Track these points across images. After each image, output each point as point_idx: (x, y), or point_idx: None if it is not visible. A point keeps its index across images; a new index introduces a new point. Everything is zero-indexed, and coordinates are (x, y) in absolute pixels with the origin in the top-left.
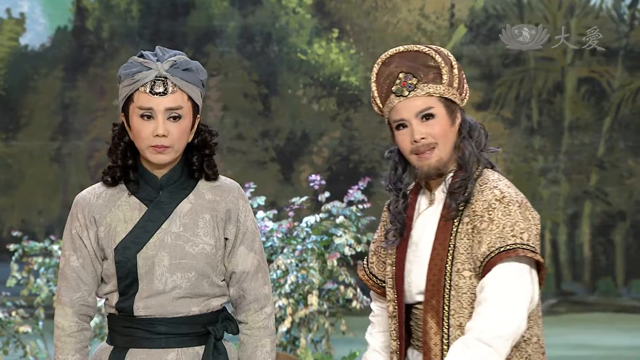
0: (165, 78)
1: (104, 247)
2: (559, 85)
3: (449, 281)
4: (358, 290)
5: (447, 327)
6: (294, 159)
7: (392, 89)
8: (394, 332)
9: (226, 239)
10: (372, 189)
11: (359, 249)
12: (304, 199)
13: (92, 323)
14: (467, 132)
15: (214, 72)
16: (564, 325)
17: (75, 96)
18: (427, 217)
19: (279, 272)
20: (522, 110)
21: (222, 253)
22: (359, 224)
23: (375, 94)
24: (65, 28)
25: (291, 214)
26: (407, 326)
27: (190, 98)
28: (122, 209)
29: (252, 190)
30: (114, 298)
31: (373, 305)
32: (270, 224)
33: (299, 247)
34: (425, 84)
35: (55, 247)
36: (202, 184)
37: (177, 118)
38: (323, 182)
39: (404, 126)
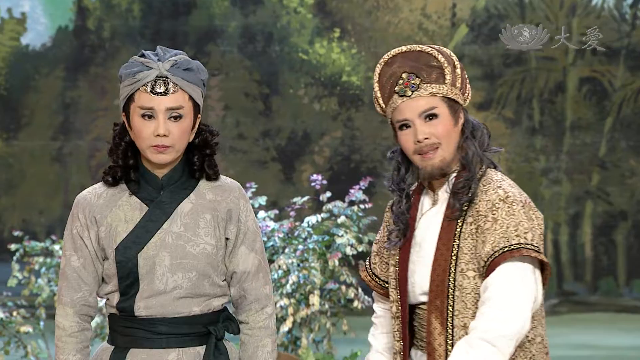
0: (166, 78)
1: (105, 247)
2: (560, 85)
3: (453, 281)
4: (359, 290)
5: (451, 327)
6: (295, 159)
7: (395, 89)
8: (397, 332)
9: (227, 238)
10: (374, 188)
11: (360, 249)
12: (305, 198)
13: (93, 323)
14: (470, 132)
15: (215, 71)
16: (566, 325)
17: (76, 96)
18: (430, 217)
19: (280, 272)
20: (523, 110)
21: (223, 253)
22: (361, 224)
23: (378, 94)
24: (66, 28)
25: (292, 213)
26: (410, 327)
27: (191, 98)
28: (123, 209)
29: (253, 190)
30: (115, 298)
31: (376, 307)
32: (272, 224)
33: (300, 247)
34: (429, 84)
35: (56, 247)
36: (203, 184)
37: (178, 118)
38: (324, 181)
39: (407, 126)
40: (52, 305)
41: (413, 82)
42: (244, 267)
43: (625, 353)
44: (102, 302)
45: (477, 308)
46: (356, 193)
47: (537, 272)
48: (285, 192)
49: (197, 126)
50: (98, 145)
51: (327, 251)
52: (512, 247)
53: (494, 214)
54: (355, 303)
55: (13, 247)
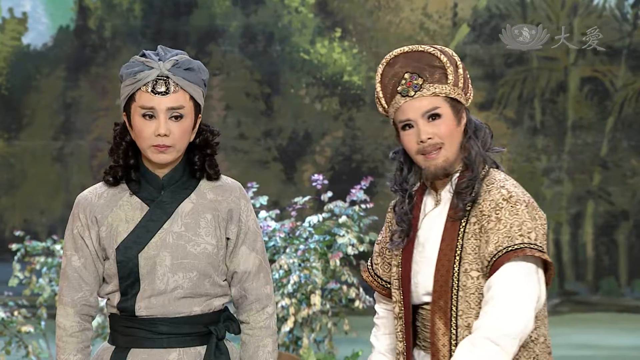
0: (167, 77)
1: (106, 246)
2: (562, 85)
3: (456, 282)
4: (361, 290)
5: (455, 327)
6: (296, 159)
7: (398, 89)
8: (400, 333)
9: (228, 238)
10: (375, 188)
11: (361, 249)
12: (307, 198)
13: (95, 323)
14: (472, 132)
15: (216, 71)
16: (567, 325)
17: (77, 96)
18: (433, 217)
19: (281, 271)
20: (525, 110)
21: (224, 253)
22: (362, 224)
23: (380, 95)
24: (67, 27)
25: (294, 213)
26: (412, 327)
27: (192, 97)
28: (124, 209)
29: (254, 189)
30: (116, 298)
31: (377, 308)
32: (273, 224)
33: (301, 246)
34: (431, 84)
35: (57, 246)
36: (204, 184)
37: (178, 117)
38: (325, 181)
39: (410, 126)
40: (53, 305)
41: (416, 82)
42: (245, 267)
43: (626, 353)
44: (103, 302)
45: (480, 308)
46: (357, 193)
47: (541, 272)
48: (286, 192)
49: (197, 126)
50: (99, 145)
51: (329, 251)
52: (515, 246)
53: (497, 214)
54: (357, 303)
55: (14, 246)
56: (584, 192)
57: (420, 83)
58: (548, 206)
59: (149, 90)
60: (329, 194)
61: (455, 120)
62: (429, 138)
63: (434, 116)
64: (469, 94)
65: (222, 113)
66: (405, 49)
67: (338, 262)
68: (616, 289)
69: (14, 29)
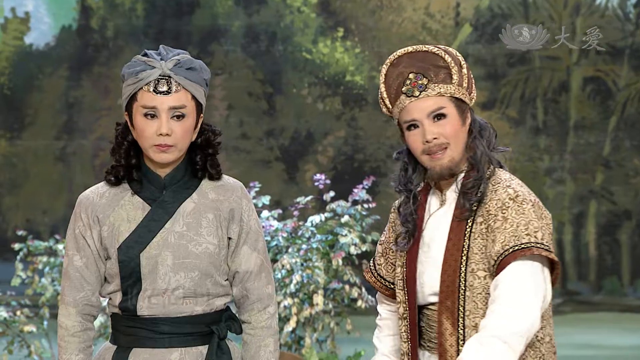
0: (169, 77)
1: (107, 246)
2: (564, 85)
3: (463, 282)
4: (363, 289)
5: (462, 328)
6: (298, 158)
7: (403, 89)
8: (404, 334)
9: (229, 238)
10: (377, 188)
11: (364, 248)
12: (309, 198)
13: (97, 322)
14: (477, 132)
15: (218, 71)
16: (570, 324)
17: (79, 95)
18: (438, 217)
19: (284, 271)
20: (527, 109)
21: (226, 252)
22: (364, 223)
23: (385, 95)
24: (69, 27)
25: (296, 213)
26: (417, 327)
27: (193, 97)
28: (126, 209)
29: (257, 189)
30: (117, 298)
31: (380, 309)
32: (275, 224)
33: (304, 246)
34: (436, 84)
35: (60, 246)
36: (206, 184)
37: (180, 117)
38: (328, 181)
39: (415, 126)
40: (55, 305)
41: (420, 82)
42: (247, 266)
43: (629, 353)
44: (105, 302)
45: (487, 307)
46: (360, 192)
47: (547, 271)
48: (288, 191)
49: (199, 126)
50: (102, 144)
51: (331, 250)
52: (522, 245)
53: (504, 213)
54: (359, 302)
55: (17, 246)
56: (587, 192)
57: (425, 83)
58: (550, 206)
59: (151, 89)
60: (332, 193)
61: (460, 120)
62: (435, 138)
63: (439, 116)
64: (473, 94)
65: (224, 113)
66: (409, 49)
67: (340, 262)
68: (619, 289)
69: (17, 29)
